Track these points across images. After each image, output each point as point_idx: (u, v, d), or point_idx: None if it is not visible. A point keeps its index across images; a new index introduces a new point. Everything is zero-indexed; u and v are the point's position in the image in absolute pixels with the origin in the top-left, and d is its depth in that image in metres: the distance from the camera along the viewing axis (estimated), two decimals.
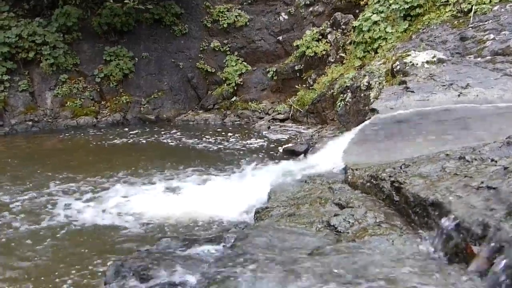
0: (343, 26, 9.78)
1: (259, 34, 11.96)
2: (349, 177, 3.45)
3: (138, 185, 5.59)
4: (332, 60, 9.78)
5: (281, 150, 7.17)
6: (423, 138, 3.89)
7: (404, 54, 6.27)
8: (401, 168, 2.89)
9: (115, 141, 8.86)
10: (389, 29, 7.92)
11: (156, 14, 11.52)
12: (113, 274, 2.07)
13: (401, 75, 5.81)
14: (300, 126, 9.29)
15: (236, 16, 11.87)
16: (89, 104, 10.93)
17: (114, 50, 11.30)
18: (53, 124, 10.41)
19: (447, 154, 2.90)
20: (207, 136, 9.04)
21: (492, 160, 2.49)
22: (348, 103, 7.13)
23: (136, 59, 11.53)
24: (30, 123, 10.26)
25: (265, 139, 8.49)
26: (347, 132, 5.57)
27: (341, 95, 7.46)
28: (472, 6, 6.78)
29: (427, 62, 5.79)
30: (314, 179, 3.86)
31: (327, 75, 9.17)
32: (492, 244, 1.74)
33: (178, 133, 9.48)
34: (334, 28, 10.06)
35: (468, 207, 2.00)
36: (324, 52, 10.06)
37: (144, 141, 8.78)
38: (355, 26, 8.63)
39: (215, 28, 12.01)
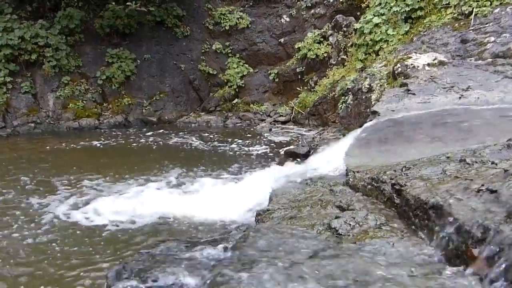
0: (345, 29, 9.80)
1: (261, 36, 12.00)
2: (350, 179, 3.46)
3: (137, 186, 5.61)
4: (334, 62, 9.80)
5: (282, 152, 7.18)
6: (424, 141, 3.89)
7: (406, 56, 6.28)
8: (402, 170, 2.89)
9: (114, 142, 8.88)
10: (390, 32, 7.93)
11: (158, 16, 11.56)
12: (114, 276, 2.08)
13: (403, 78, 5.82)
14: (301, 128, 9.31)
15: (238, 19, 11.90)
16: (91, 106, 10.97)
17: (116, 52, 11.34)
18: (55, 126, 10.46)
19: (447, 157, 2.91)
20: (208, 138, 9.07)
21: (493, 162, 2.49)
22: (349, 105, 7.14)
23: (138, 61, 11.58)
24: (33, 124, 10.31)
25: (266, 141, 8.50)
26: (348, 134, 5.58)
27: (343, 97, 7.47)
28: (472, 8, 6.79)
29: (428, 64, 5.79)
30: (315, 181, 3.86)
31: (328, 77, 9.19)
32: (492, 247, 1.74)
33: (181, 135, 9.51)
34: (336, 31, 10.08)
35: (468, 210, 2.00)
36: (325, 54, 10.09)
37: (147, 143, 8.80)
38: (357, 28, 8.64)
39: (217, 30, 12.04)
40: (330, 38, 10.12)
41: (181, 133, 9.78)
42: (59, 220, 4.54)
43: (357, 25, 8.68)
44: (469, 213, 1.98)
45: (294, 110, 10.05)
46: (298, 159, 6.32)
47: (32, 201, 5.15)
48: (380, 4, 8.32)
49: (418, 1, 7.71)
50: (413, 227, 2.40)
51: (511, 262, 1.62)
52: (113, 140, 9.08)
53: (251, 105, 11.36)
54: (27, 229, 4.30)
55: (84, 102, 10.93)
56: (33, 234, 4.18)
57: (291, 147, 7.28)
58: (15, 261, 3.62)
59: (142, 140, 9.01)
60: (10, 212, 4.81)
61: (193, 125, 10.92)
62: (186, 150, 8.12)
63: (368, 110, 5.97)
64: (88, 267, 3.48)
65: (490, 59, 5.75)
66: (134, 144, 8.70)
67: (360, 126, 5.00)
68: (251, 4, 12.16)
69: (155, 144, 8.69)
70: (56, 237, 4.10)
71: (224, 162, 6.91)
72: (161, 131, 10.07)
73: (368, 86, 6.56)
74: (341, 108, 7.44)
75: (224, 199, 4.69)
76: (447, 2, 7.36)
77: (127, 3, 10.68)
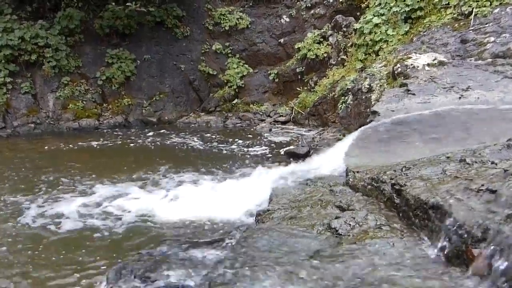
0: (344, 29, 9.80)
1: (261, 36, 12.00)
2: (350, 179, 3.46)
3: (139, 187, 5.60)
4: (334, 63, 9.80)
5: (282, 153, 7.18)
6: (424, 141, 3.90)
7: (405, 56, 6.29)
8: (401, 170, 2.89)
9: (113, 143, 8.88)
10: (390, 32, 7.93)
11: (158, 17, 11.56)
12: (114, 276, 2.08)
13: (402, 78, 5.82)
14: (301, 129, 9.30)
15: (237, 19, 11.90)
16: (91, 107, 10.97)
17: (116, 53, 11.34)
18: (55, 126, 10.46)
19: (447, 157, 2.91)
20: (207, 138, 9.07)
21: (493, 162, 2.49)
22: (349, 106, 7.14)
23: (138, 61, 11.57)
24: (33, 125, 10.31)
25: (266, 141, 8.50)
26: (348, 134, 5.58)
27: (343, 97, 7.47)
28: (472, 8, 6.79)
29: (428, 64, 5.80)
30: (315, 181, 3.87)
31: (328, 78, 9.19)
32: (492, 247, 1.74)
33: (180, 136, 9.51)
34: (336, 31, 10.08)
35: (468, 210, 2.00)
36: (325, 55, 10.09)
37: (145, 143, 8.80)
38: (356, 28, 8.65)
39: (216, 30, 12.04)
40: (330, 38, 10.13)
41: (180, 133, 9.78)
42: (25, 222, 4.46)
43: (357, 25, 8.68)
44: (469, 213, 1.98)
45: (294, 110, 10.04)
46: (298, 159, 6.32)
47: (7, 201, 5.11)
48: (380, 4, 8.32)
49: (418, 1, 7.71)
50: (413, 227, 2.40)
51: (511, 262, 1.62)
52: (111, 140, 9.07)
53: (251, 105, 11.35)
54: None
55: (84, 102, 10.93)
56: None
57: (291, 147, 7.28)
58: None
59: (141, 141, 9.00)
60: None
61: (193, 125, 10.92)
62: (184, 150, 8.11)
63: (368, 110, 5.97)
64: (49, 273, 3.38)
65: (490, 59, 5.75)
66: (132, 144, 8.69)
67: (360, 126, 5.00)
68: (250, 4, 12.15)
69: (153, 144, 8.68)
70: (19, 242, 3.99)
71: (223, 162, 6.90)
72: (160, 131, 10.06)
73: (368, 86, 6.56)
74: (341, 108, 7.44)
75: (223, 199, 4.68)
76: (447, 2, 7.37)
77: (127, 4, 10.69)
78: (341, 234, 2.48)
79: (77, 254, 3.69)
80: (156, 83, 11.70)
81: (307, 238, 2.47)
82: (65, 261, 3.57)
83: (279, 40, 11.84)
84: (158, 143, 8.80)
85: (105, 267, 3.32)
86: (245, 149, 7.87)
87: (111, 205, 4.88)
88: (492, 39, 6.05)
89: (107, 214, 4.65)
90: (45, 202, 5.07)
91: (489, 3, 6.74)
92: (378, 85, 6.39)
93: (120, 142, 8.93)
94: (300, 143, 7.32)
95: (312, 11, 11.40)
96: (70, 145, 8.54)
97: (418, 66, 5.82)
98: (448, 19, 7.14)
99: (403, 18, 7.87)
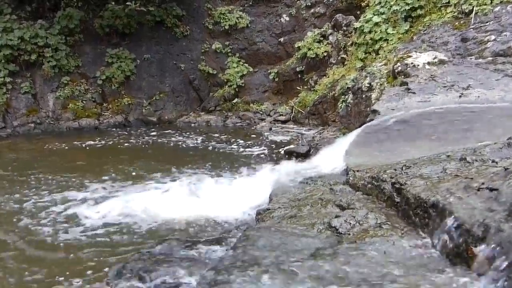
0: (344, 28, 9.79)
1: (261, 35, 11.98)
2: (350, 178, 3.46)
3: (138, 188, 5.60)
4: (334, 62, 9.79)
5: (282, 152, 7.17)
6: (424, 139, 3.90)
7: (405, 55, 6.28)
8: (402, 169, 2.89)
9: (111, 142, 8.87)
10: (390, 30, 7.92)
11: (157, 16, 11.54)
12: (115, 275, 2.08)
13: (403, 76, 5.82)
14: (301, 128, 9.29)
15: (237, 18, 11.88)
16: (91, 106, 10.96)
17: (116, 52, 11.33)
18: (55, 126, 10.46)
19: (448, 155, 2.91)
20: (208, 137, 9.06)
21: (493, 161, 2.49)
22: (349, 105, 7.13)
23: (138, 61, 11.56)
24: (32, 125, 10.31)
25: (266, 140, 8.49)
26: (348, 133, 5.57)
27: (343, 96, 7.46)
28: (473, 7, 6.78)
29: (428, 63, 5.79)
30: (315, 180, 3.86)
31: (328, 77, 9.18)
32: (493, 245, 1.74)
33: (179, 135, 9.51)
34: (335, 30, 10.07)
35: (469, 209, 2.00)
36: (325, 54, 10.07)
37: (142, 143, 8.80)
38: (356, 27, 8.64)
39: (216, 30, 12.03)
40: (330, 37, 10.11)
41: (180, 132, 9.77)
42: None
43: (357, 24, 8.67)
44: (470, 211, 1.98)
45: (294, 109, 10.03)
46: (298, 158, 6.31)
47: None
48: (380, 3, 8.31)
49: (418, 0, 7.70)
50: (413, 225, 2.40)
51: (511, 261, 1.62)
52: (111, 140, 9.06)
53: (251, 105, 11.34)
54: None
55: (84, 102, 10.92)
56: None
57: (291, 146, 7.27)
58: None
59: (141, 140, 8.99)
60: None
61: (193, 125, 10.91)
62: (184, 149, 8.10)
63: (368, 109, 5.96)
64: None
65: (491, 58, 5.75)
66: (131, 144, 8.67)
67: (361, 125, 5.00)
68: (250, 3, 12.13)
69: (153, 143, 8.67)
70: None
71: (223, 161, 6.89)
72: (160, 131, 10.06)
73: (368, 85, 6.56)
74: (341, 107, 7.44)
75: (223, 198, 4.67)
76: (448, 1, 7.36)
77: (127, 3, 10.67)
78: (341, 233, 2.48)
79: None
80: (156, 83, 11.69)
81: (307, 237, 2.46)
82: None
83: (279, 39, 11.83)
84: (158, 142, 8.80)
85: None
86: (245, 148, 7.86)
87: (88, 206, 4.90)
88: (492, 37, 6.05)
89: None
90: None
91: (490, 1, 6.73)
92: (378, 84, 6.38)
93: (119, 141, 8.92)
94: (300, 142, 7.32)
95: (312, 10, 11.39)
96: (63, 145, 8.48)
97: (418, 65, 5.81)
98: (449, 17, 7.13)
99: (403, 16, 7.86)
